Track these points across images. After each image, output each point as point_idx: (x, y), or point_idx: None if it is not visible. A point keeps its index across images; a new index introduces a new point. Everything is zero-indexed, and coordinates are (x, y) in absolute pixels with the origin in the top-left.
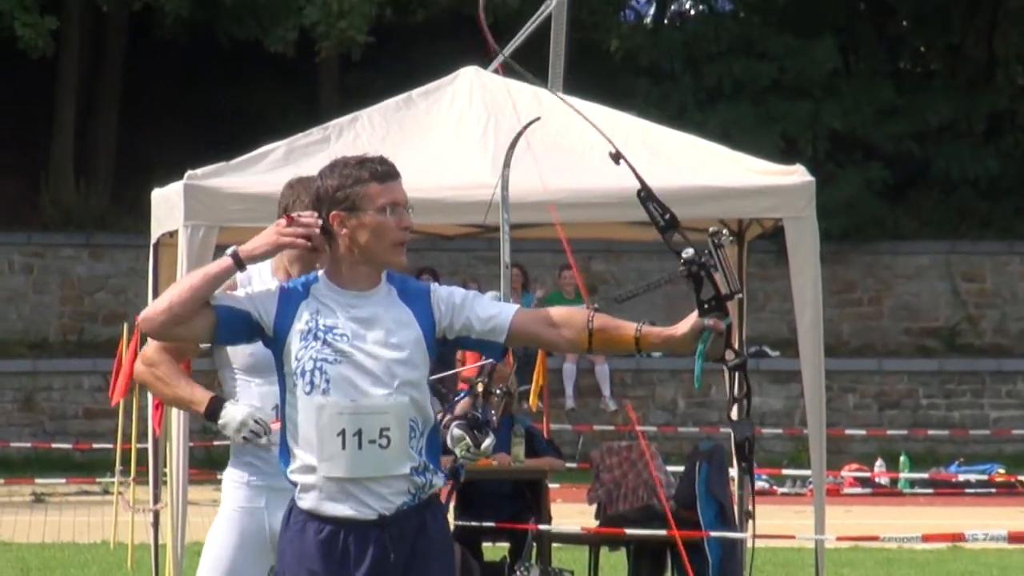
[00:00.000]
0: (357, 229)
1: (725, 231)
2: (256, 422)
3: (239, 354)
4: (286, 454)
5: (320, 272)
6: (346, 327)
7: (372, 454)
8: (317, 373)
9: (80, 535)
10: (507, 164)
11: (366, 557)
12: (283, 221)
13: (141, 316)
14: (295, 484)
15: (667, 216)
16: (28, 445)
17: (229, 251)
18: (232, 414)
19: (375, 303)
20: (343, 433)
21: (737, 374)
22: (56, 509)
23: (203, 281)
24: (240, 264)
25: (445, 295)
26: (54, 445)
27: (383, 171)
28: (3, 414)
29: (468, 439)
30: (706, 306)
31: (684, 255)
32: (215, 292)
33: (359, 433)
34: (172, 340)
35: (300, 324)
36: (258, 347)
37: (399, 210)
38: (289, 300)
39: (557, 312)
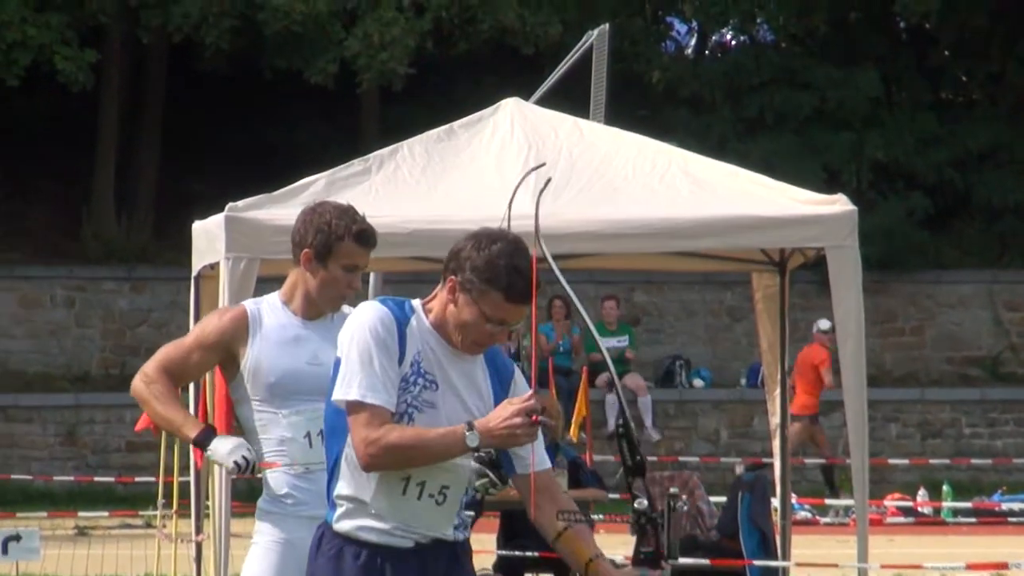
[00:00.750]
0: (462, 308)
1: (684, 498)
2: (243, 457)
3: (260, 383)
4: (335, 478)
5: (424, 312)
6: (439, 379)
7: (427, 508)
8: (405, 418)
9: (123, 568)
10: (509, 206)
11: None
12: (521, 414)
13: (379, 449)
14: (334, 507)
15: (637, 458)
16: (71, 479)
17: (472, 443)
18: (219, 448)
19: (469, 363)
20: (408, 480)
21: None
22: (99, 542)
23: (437, 458)
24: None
25: (521, 390)
26: (97, 478)
27: (519, 292)
28: (46, 448)
29: (491, 475)
30: (642, 556)
31: (637, 505)
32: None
33: (423, 485)
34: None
35: (404, 366)
36: (282, 370)
37: (503, 328)
38: (405, 340)
39: (562, 495)
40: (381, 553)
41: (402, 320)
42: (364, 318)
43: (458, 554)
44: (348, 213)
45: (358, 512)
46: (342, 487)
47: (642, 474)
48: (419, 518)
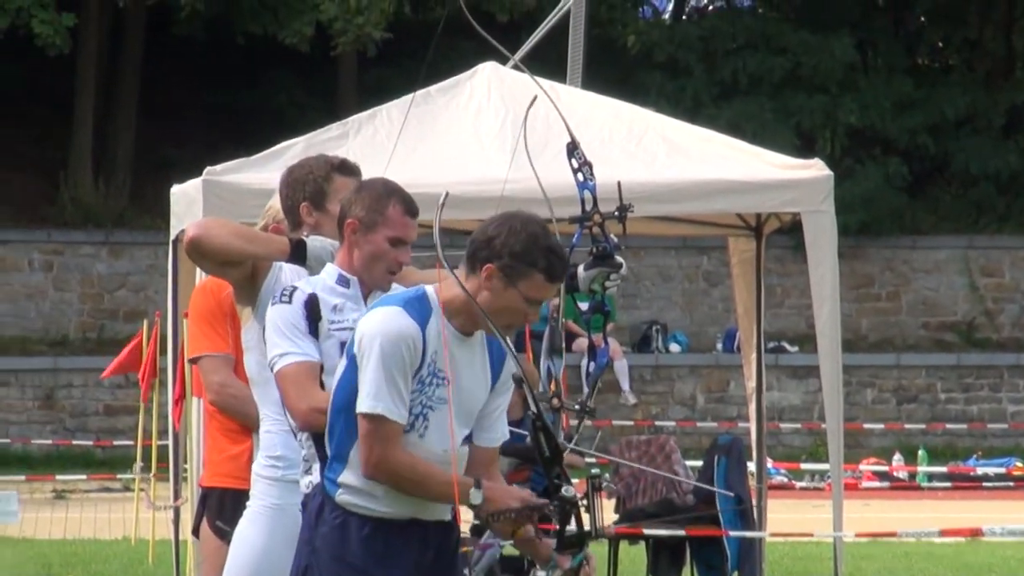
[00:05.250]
0: (501, 293)
1: (607, 476)
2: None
3: None
4: (341, 462)
5: (440, 306)
6: (450, 370)
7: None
8: (420, 418)
9: (101, 531)
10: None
11: (408, 552)
12: (524, 509)
13: (387, 474)
14: (335, 485)
15: (555, 446)
16: (49, 442)
17: (475, 501)
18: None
19: (473, 345)
20: None
21: None
22: (77, 506)
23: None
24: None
25: (508, 370)
26: (75, 442)
27: (558, 272)
28: (24, 411)
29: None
30: (567, 541)
31: (565, 492)
32: None
33: None
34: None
35: (423, 370)
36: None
37: (537, 307)
38: (426, 345)
39: (497, 475)
40: (385, 525)
41: (423, 325)
42: (391, 328)
43: (452, 525)
44: (321, 157)
45: (363, 495)
46: (349, 477)
47: (559, 461)
48: (426, 510)
